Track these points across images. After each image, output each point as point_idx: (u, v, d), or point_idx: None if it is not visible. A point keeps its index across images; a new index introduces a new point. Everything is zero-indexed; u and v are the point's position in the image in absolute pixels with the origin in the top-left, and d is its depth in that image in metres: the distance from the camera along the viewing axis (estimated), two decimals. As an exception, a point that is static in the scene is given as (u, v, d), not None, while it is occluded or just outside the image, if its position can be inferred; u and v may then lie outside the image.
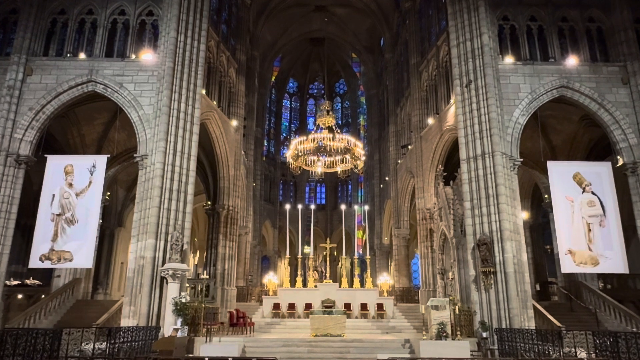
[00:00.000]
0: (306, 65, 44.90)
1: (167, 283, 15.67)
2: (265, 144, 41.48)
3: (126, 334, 12.99)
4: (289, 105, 45.88)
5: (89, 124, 22.36)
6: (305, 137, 19.81)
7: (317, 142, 18.67)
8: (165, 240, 16.21)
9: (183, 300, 14.89)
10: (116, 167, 24.22)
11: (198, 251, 31.87)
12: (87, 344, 10.98)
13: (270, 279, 23.01)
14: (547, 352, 11.71)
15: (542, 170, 24.72)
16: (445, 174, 21.02)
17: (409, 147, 26.86)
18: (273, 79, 42.58)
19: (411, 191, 27.51)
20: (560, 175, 17.55)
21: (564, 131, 22.59)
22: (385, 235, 34.09)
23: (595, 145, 21.95)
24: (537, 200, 26.83)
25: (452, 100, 21.34)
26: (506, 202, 16.53)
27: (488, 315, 15.79)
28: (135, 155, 17.50)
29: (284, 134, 44.55)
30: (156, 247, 16.06)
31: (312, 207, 25.27)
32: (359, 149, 19.53)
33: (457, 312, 14.86)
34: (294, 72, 45.38)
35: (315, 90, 45.82)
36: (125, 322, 15.71)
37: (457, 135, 18.15)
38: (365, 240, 23.77)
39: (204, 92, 20.97)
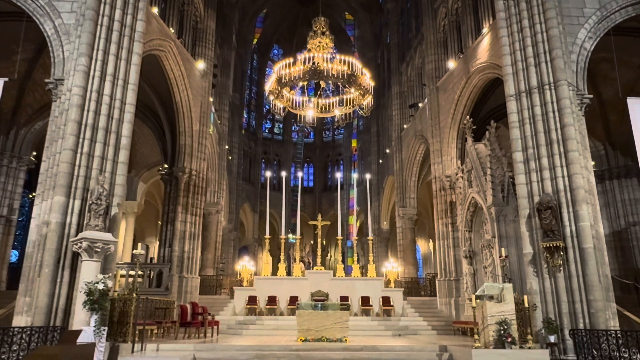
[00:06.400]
0: (293, 29, 39.41)
1: (81, 262, 10.41)
2: (245, 116, 36.07)
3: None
4: (273, 75, 40.29)
5: (6, 59, 16.87)
6: (292, 59, 14.24)
7: (310, 65, 13.20)
8: (82, 199, 10.95)
9: (101, 286, 9.59)
10: (47, 119, 18.70)
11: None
12: None
13: (244, 265, 17.73)
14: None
15: (589, 131, 20.00)
16: (475, 127, 16.14)
17: (420, 105, 21.82)
18: (255, 41, 37.13)
19: (420, 161, 22.51)
20: (647, 116, 12.70)
21: (619, 80, 17.85)
22: (385, 219, 29.11)
23: (661, 95, 17.27)
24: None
25: (484, 30, 16.38)
26: (577, 149, 11.63)
27: (554, 311, 10.88)
28: (47, 80, 12.26)
29: (267, 107, 38.97)
30: (68, 209, 10.77)
31: (300, 174, 20.05)
32: (367, 78, 14.15)
33: (526, 304, 9.78)
34: (278, 37, 39.94)
35: (304, 60, 40.37)
36: (19, 320, 10.44)
37: (502, 63, 13.17)
38: (368, 218, 18.67)
39: (155, 10, 15.72)
